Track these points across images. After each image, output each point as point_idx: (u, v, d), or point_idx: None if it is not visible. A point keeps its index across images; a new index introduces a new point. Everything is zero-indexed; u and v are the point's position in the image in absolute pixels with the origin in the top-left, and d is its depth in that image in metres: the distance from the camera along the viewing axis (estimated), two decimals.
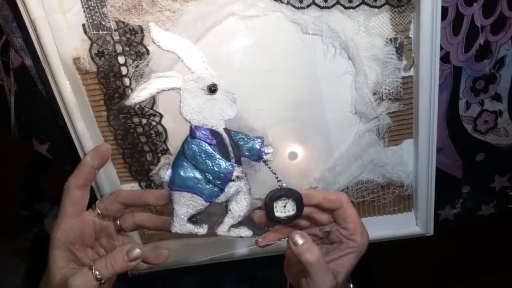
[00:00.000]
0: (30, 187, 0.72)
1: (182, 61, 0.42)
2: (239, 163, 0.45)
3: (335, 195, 0.47)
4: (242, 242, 0.61)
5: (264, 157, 0.45)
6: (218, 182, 0.44)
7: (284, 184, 0.46)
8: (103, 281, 0.42)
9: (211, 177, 0.44)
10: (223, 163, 0.44)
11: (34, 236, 0.69)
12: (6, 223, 0.73)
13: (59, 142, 0.56)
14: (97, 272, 0.42)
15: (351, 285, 0.51)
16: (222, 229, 0.46)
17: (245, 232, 0.47)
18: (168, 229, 0.45)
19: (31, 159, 0.70)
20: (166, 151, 0.53)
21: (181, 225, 0.45)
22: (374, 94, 0.53)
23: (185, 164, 0.44)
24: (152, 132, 0.53)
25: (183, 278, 0.65)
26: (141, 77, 0.49)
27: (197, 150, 0.43)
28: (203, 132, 0.43)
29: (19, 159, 0.70)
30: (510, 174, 0.66)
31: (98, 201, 0.46)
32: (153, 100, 0.51)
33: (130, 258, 0.43)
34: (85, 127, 0.51)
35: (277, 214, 0.46)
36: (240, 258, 0.62)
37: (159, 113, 0.51)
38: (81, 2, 0.46)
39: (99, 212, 0.45)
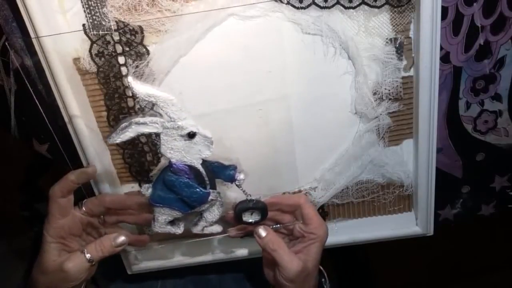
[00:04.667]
0: (30, 187, 0.72)
1: (162, 110, 0.45)
2: (213, 187, 0.50)
3: (292, 199, 0.54)
4: (242, 242, 0.61)
5: (237, 182, 0.50)
6: (194, 204, 0.50)
7: (252, 197, 0.51)
8: (93, 263, 0.49)
9: (188, 201, 0.49)
10: (199, 191, 0.49)
11: (34, 236, 0.69)
12: (6, 223, 0.73)
13: (59, 142, 0.56)
14: (89, 255, 0.48)
15: (327, 281, 0.57)
16: (196, 229, 0.52)
17: (217, 228, 0.53)
18: (148, 225, 0.52)
19: (31, 159, 0.70)
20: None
21: (160, 227, 0.51)
22: (374, 94, 0.53)
23: (165, 188, 0.49)
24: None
25: (182, 278, 0.65)
26: (141, 77, 0.49)
27: (175, 181, 0.48)
28: (181, 168, 0.48)
29: (19, 159, 0.70)
30: (510, 174, 0.66)
31: (84, 200, 0.52)
32: None
33: (116, 244, 0.50)
34: (85, 127, 0.51)
35: (244, 218, 0.52)
36: (240, 258, 0.62)
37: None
38: (81, 2, 0.46)
39: (85, 211, 0.51)
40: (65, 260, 0.48)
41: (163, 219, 0.51)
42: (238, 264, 0.63)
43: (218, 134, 0.52)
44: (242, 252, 0.61)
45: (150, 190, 0.49)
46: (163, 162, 0.54)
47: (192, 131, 0.46)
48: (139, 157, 0.54)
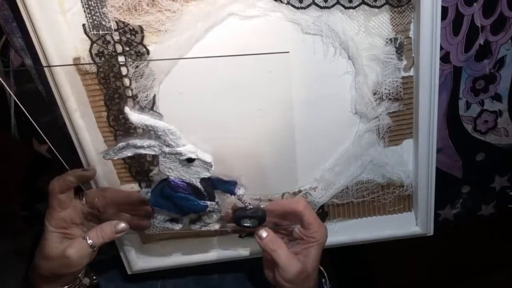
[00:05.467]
0: (30, 187, 0.72)
1: (160, 136, 0.45)
2: (212, 199, 0.50)
3: (292, 206, 0.53)
4: (243, 242, 0.61)
5: (236, 197, 0.50)
6: (192, 213, 0.51)
7: (251, 206, 0.52)
8: (95, 248, 0.50)
9: (186, 211, 0.50)
10: (196, 204, 0.49)
11: (34, 236, 0.69)
12: (6, 223, 0.73)
13: (59, 142, 0.56)
14: (91, 241, 0.49)
15: (327, 281, 0.57)
16: (194, 227, 0.53)
17: (215, 226, 0.53)
18: (147, 218, 0.53)
19: (31, 159, 0.70)
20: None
21: (159, 223, 0.52)
22: (374, 94, 0.53)
23: (163, 196, 0.49)
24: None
25: (183, 278, 0.65)
26: (141, 77, 0.49)
27: (173, 195, 0.49)
28: (180, 185, 0.48)
29: (19, 159, 0.70)
30: (510, 174, 0.66)
31: (85, 192, 0.52)
32: (153, 100, 0.51)
33: (117, 231, 0.51)
34: (85, 127, 0.51)
35: (243, 223, 0.52)
36: (241, 258, 0.62)
37: (159, 113, 0.51)
38: (81, 2, 0.46)
39: (86, 202, 0.52)
40: (67, 246, 0.48)
41: (162, 217, 0.51)
42: (239, 264, 0.63)
43: (217, 134, 0.52)
44: (243, 251, 0.61)
45: (149, 195, 0.49)
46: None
47: (190, 157, 0.46)
48: (139, 157, 0.54)
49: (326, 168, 0.57)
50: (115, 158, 0.47)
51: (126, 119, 0.51)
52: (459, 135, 0.61)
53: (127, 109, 0.45)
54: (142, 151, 0.46)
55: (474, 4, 0.53)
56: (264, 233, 0.52)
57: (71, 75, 0.49)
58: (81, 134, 0.51)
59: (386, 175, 0.58)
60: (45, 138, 0.48)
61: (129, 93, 0.50)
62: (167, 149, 0.46)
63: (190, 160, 0.46)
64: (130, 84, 0.50)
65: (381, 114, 0.54)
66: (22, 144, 0.58)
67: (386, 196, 0.60)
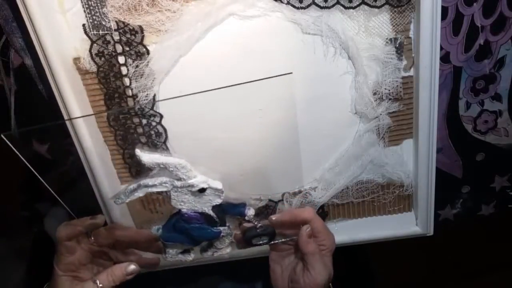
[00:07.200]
0: (30, 187, 0.72)
1: (172, 172, 0.46)
2: (223, 224, 0.51)
3: (301, 216, 0.52)
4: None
5: (247, 218, 0.52)
6: (205, 241, 0.52)
7: (260, 224, 0.53)
8: None
9: (199, 240, 0.51)
10: (210, 232, 0.51)
11: (34, 236, 0.69)
12: (6, 223, 0.73)
13: (59, 142, 0.56)
14: (101, 285, 0.49)
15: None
16: (206, 255, 0.54)
17: (226, 250, 0.54)
18: (158, 253, 0.54)
19: (31, 159, 0.70)
20: (166, 151, 0.54)
21: (172, 257, 0.53)
22: (374, 94, 0.53)
23: (175, 230, 0.50)
24: (152, 132, 0.53)
25: (183, 278, 0.65)
26: (141, 77, 0.49)
27: (187, 227, 0.50)
28: (193, 216, 0.49)
29: (19, 159, 0.70)
30: (510, 174, 0.66)
31: (94, 232, 0.52)
32: (153, 100, 0.51)
33: (127, 273, 0.51)
34: (85, 127, 0.51)
35: (254, 242, 0.53)
36: (242, 258, 0.61)
37: (159, 113, 0.51)
38: (81, 2, 0.46)
39: (94, 241, 0.51)
40: None
41: (174, 252, 0.53)
42: (239, 264, 0.63)
43: (217, 134, 0.52)
44: (243, 251, 0.61)
45: (160, 231, 0.50)
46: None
47: (202, 188, 0.47)
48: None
49: (326, 168, 0.57)
50: (127, 201, 0.47)
51: (126, 119, 0.52)
52: (459, 135, 0.61)
53: (137, 151, 0.46)
54: (155, 190, 0.47)
55: (474, 4, 0.53)
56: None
57: (71, 74, 0.49)
58: (81, 134, 0.51)
59: (386, 175, 0.58)
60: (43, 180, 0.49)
61: (129, 92, 0.50)
62: (178, 183, 0.47)
63: (202, 190, 0.47)
64: (130, 83, 0.50)
65: (381, 114, 0.54)
66: (22, 144, 0.58)
67: (386, 196, 0.60)
